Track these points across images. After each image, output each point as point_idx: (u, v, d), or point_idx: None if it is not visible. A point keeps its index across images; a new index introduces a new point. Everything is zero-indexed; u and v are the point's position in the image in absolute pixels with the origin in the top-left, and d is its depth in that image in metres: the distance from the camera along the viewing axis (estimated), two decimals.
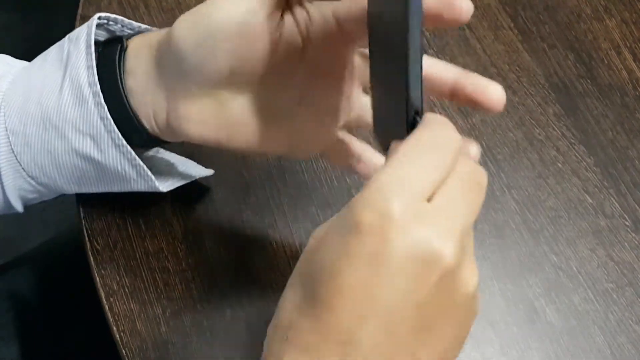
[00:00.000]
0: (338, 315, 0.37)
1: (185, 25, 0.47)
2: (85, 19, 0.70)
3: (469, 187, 0.39)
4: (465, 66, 0.68)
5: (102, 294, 0.59)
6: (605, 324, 0.59)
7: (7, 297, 0.76)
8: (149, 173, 0.53)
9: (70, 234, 0.80)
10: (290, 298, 0.40)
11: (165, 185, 0.56)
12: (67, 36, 0.54)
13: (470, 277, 0.39)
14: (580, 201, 0.63)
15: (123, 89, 0.51)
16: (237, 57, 0.46)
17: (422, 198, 0.37)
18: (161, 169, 0.58)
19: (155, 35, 0.51)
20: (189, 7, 0.70)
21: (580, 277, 0.60)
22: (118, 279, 0.60)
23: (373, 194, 0.37)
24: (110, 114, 0.51)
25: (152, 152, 0.59)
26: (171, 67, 0.48)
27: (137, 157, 0.52)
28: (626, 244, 0.61)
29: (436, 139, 0.39)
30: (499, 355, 0.57)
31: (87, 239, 0.61)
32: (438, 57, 0.68)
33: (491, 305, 0.59)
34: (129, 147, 0.52)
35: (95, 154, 0.52)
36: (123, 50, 0.51)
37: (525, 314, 0.59)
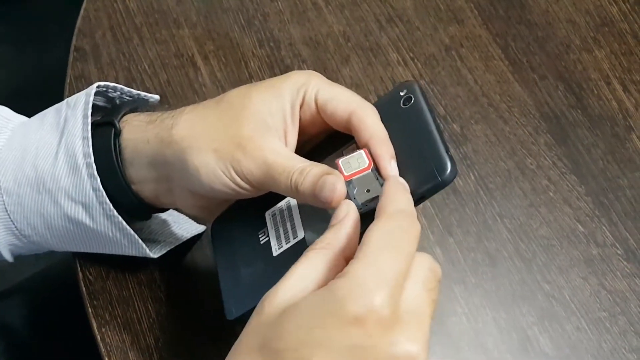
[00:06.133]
0: None
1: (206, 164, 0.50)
2: (79, 50, 0.70)
3: (432, 286, 0.42)
4: (456, 96, 0.69)
5: (94, 325, 0.59)
6: (598, 353, 0.58)
7: None
8: (140, 241, 0.55)
9: (63, 264, 0.80)
10: None
11: (155, 251, 0.58)
12: (65, 100, 0.56)
13: None
14: (572, 230, 0.63)
15: (122, 174, 0.53)
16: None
17: (399, 291, 0.40)
18: (152, 228, 0.60)
19: (153, 132, 0.52)
20: (182, 40, 0.71)
21: (573, 305, 0.60)
22: (110, 309, 0.59)
23: (356, 287, 0.39)
24: (107, 191, 0.53)
25: None
26: (180, 178, 0.52)
27: (128, 227, 0.54)
28: (618, 273, 0.62)
29: (403, 229, 0.42)
30: None
31: (79, 269, 0.61)
32: (430, 88, 0.69)
33: (484, 334, 0.59)
34: (120, 218, 0.53)
35: (87, 221, 0.54)
36: (117, 134, 0.53)
37: (519, 343, 0.59)
